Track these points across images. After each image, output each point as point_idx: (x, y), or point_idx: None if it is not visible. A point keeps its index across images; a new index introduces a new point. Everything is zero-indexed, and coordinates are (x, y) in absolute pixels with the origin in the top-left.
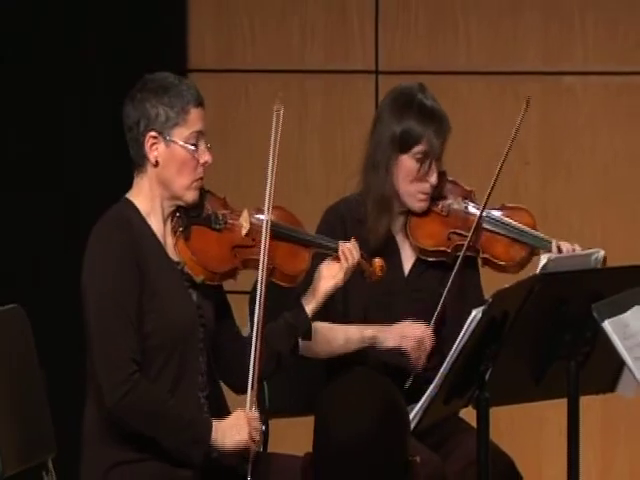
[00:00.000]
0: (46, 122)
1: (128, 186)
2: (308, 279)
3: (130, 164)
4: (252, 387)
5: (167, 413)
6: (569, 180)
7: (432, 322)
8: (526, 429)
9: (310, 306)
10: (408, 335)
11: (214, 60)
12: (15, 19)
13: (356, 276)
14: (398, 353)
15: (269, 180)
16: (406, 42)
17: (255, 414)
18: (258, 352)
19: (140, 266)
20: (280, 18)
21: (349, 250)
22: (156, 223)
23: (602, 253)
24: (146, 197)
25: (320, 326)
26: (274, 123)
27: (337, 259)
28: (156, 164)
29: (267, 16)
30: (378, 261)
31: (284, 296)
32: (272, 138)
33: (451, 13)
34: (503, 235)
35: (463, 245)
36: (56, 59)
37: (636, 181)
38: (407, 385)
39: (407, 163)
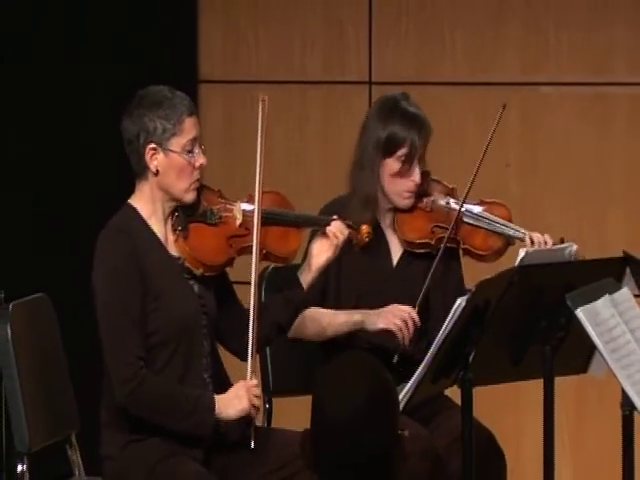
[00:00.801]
0: (46, 122)
1: (130, 178)
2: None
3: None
4: (252, 356)
5: (172, 403)
6: (546, 180)
7: (417, 305)
8: (506, 407)
9: (305, 280)
10: (395, 315)
11: (222, 72)
12: (15, 19)
13: (347, 266)
14: (386, 333)
15: (258, 165)
16: (397, 55)
17: (254, 382)
18: (255, 329)
19: (143, 271)
20: (282, 33)
21: (337, 229)
22: (157, 224)
23: (575, 247)
24: (147, 201)
25: (314, 312)
26: (260, 111)
27: (327, 235)
28: (156, 173)
29: (270, 31)
30: (365, 227)
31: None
32: (259, 124)
33: (438, 29)
34: (482, 228)
35: (445, 238)
36: (56, 59)
37: (606, 181)
38: (394, 361)
39: (392, 165)
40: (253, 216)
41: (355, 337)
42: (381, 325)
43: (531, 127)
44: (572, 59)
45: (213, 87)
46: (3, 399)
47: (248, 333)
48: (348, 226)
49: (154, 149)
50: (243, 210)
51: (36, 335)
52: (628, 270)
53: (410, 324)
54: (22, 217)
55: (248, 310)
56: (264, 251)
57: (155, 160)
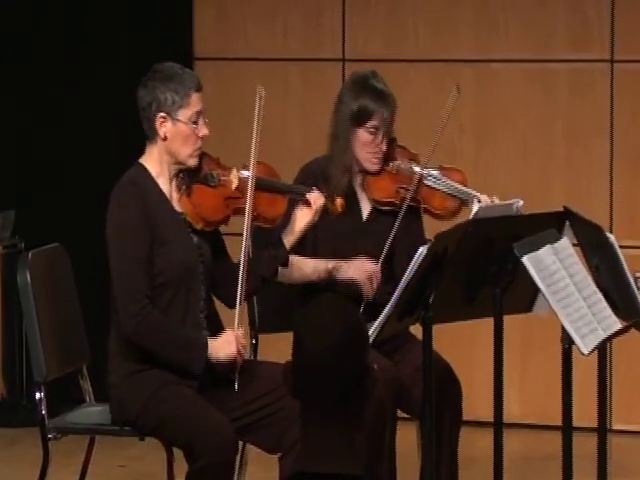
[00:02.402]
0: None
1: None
2: (286, 221)
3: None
4: (239, 304)
5: (171, 338)
6: (496, 144)
7: (382, 257)
8: (461, 342)
9: (288, 241)
10: (361, 269)
11: (214, 50)
12: (15, 19)
13: (324, 222)
14: (354, 283)
15: (253, 144)
16: (367, 36)
17: (241, 332)
18: (244, 280)
19: (151, 220)
20: (267, 16)
21: (315, 197)
22: (164, 182)
23: (521, 202)
24: (156, 162)
25: (296, 259)
26: (257, 101)
27: (307, 203)
28: (165, 138)
29: (256, 14)
30: (339, 200)
31: (269, 234)
32: (256, 112)
33: (403, 13)
34: (440, 190)
35: (407, 198)
36: (56, 59)
37: (548, 145)
38: (361, 310)
39: (362, 134)
40: (247, 182)
41: (331, 283)
42: (350, 275)
43: (484, 98)
44: (519, 39)
45: (206, 64)
46: (24, 336)
47: (236, 284)
48: (325, 197)
49: (164, 117)
50: (239, 176)
51: (52, 280)
52: (568, 223)
53: (374, 280)
54: (41, 183)
55: (237, 264)
56: (255, 213)
57: (164, 127)
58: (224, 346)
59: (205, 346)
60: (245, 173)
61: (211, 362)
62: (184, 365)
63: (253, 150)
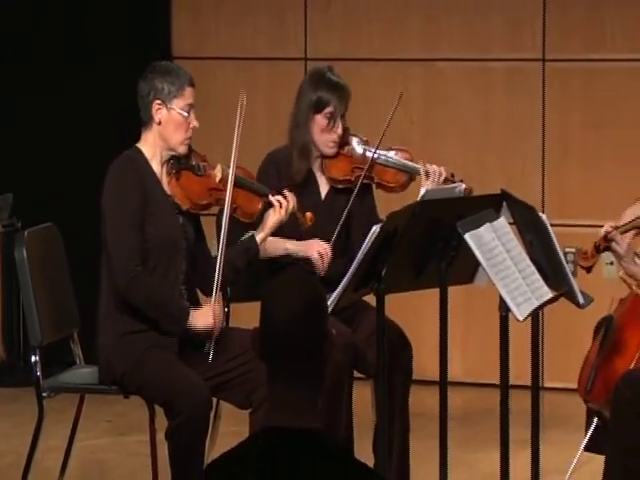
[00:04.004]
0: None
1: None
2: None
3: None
4: (216, 289)
5: (158, 295)
6: (441, 135)
7: (337, 231)
8: (411, 310)
9: (260, 237)
10: (314, 249)
11: (190, 50)
12: (15, 19)
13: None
14: (308, 261)
15: (235, 144)
16: (327, 37)
17: (218, 306)
18: (222, 267)
19: (144, 192)
20: (236, 19)
21: (278, 197)
22: (156, 165)
23: (463, 186)
24: (150, 146)
25: (268, 239)
26: (239, 106)
27: (274, 204)
28: (159, 123)
29: (228, 17)
30: (309, 214)
31: (244, 229)
32: (237, 118)
33: (358, 17)
34: (390, 166)
35: (362, 175)
36: (56, 59)
37: (487, 137)
38: None
39: (320, 121)
40: (229, 177)
41: (294, 259)
42: (304, 254)
43: (430, 94)
44: (461, 40)
45: (183, 62)
46: (21, 305)
47: (212, 273)
48: (297, 212)
49: (160, 104)
50: (222, 171)
51: (46, 256)
52: (505, 204)
53: (325, 258)
54: (37, 170)
55: (215, 257)
56: (234, 205)
57: (159, 114)
58: (203, 317)
59: (187, 311)
60: (228, 170)
61: (190, 330)
62: (167, 322)
63: (234, 147)
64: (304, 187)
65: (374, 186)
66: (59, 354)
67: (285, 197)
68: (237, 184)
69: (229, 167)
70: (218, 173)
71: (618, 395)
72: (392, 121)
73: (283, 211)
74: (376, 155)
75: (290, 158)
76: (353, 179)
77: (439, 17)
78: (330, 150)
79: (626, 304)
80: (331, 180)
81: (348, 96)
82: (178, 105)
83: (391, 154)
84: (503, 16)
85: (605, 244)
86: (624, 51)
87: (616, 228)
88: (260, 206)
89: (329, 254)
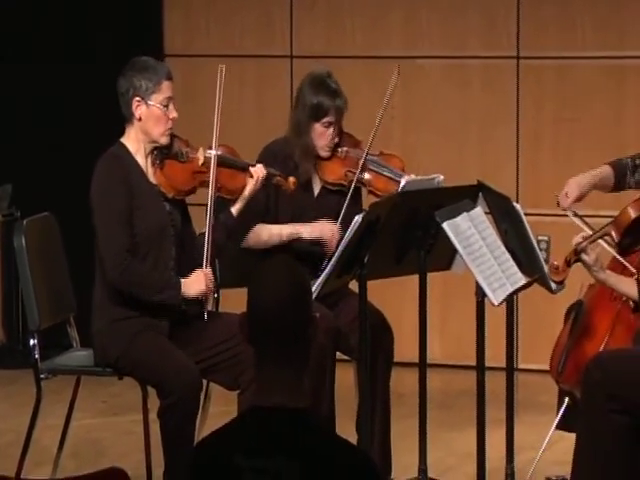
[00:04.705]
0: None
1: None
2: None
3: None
4: (207, 261)
5: (150, 281)
6: (420, 129)
7: (339, 223)
8: (392, 295)
9: (235, 208)
10: (327, 228)
11: (181, 48)
12: (15, 19)
13: (284, 198)
14: (318, 243)
15: (216, 116)
16: (312, 35)
17: (209, 270)
18: (210, 243)
19: (130, 188)
20: (225, 18)
21: (257, 170)
22: (141, 158)
23: (442, 177)
24: (134, 141)
25: (262, 227)
26: (218, 77)
27: (251, 176)
28: (140, 119)
29: (218, 16)
30: (291, 178)
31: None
32: (217, 88)
33: (342, 15)
34: (382, 175)
35: (354, 180)
36: (56, 59)
37: (464, 131)
38: (324, 265)
39: (318, 128)
40: (211, 159)
41: (287, 247)
42: (316, 234)
43: (410, 90)
44: (439, 38)
45: (175, 59)
46: (20, 291)
47: (198, 252)
48: (280, 176)
49: (139, 101)
50: (204, 154)
51: (43, 244)
52: (481, 194)
53: (336, 235)
54: (36, 162)
55: (201, 234)
56: (218, 185)
57: (139, 110)
58: (195, 284)
59: (179, 284)
60: (210, 152)
61: (183, 300)
62: (163, 303)
63: (216, 119)
64: (300, 185)
65: (365, 191)
66: (56, 338)
67: (257, 168)
68: (220, 163)
69: (209, 147)
70: (200, 156)
71: (588, 376)
72: (374, 115)
73: (254, 181)
74: (368, 158)
75: (287, 150)
76: (345, 183)
77: (419, 15)
78: (325, 153)
79: (595, 289)
80: (324, 181)
81: (346, 105)
82: (157, 100)
83: (385, 162)
84: (479, 14)
85: (576, 257)
86: (595, 48)
87: (586, 239)
88: (243, 182)
89: (339, 233)
